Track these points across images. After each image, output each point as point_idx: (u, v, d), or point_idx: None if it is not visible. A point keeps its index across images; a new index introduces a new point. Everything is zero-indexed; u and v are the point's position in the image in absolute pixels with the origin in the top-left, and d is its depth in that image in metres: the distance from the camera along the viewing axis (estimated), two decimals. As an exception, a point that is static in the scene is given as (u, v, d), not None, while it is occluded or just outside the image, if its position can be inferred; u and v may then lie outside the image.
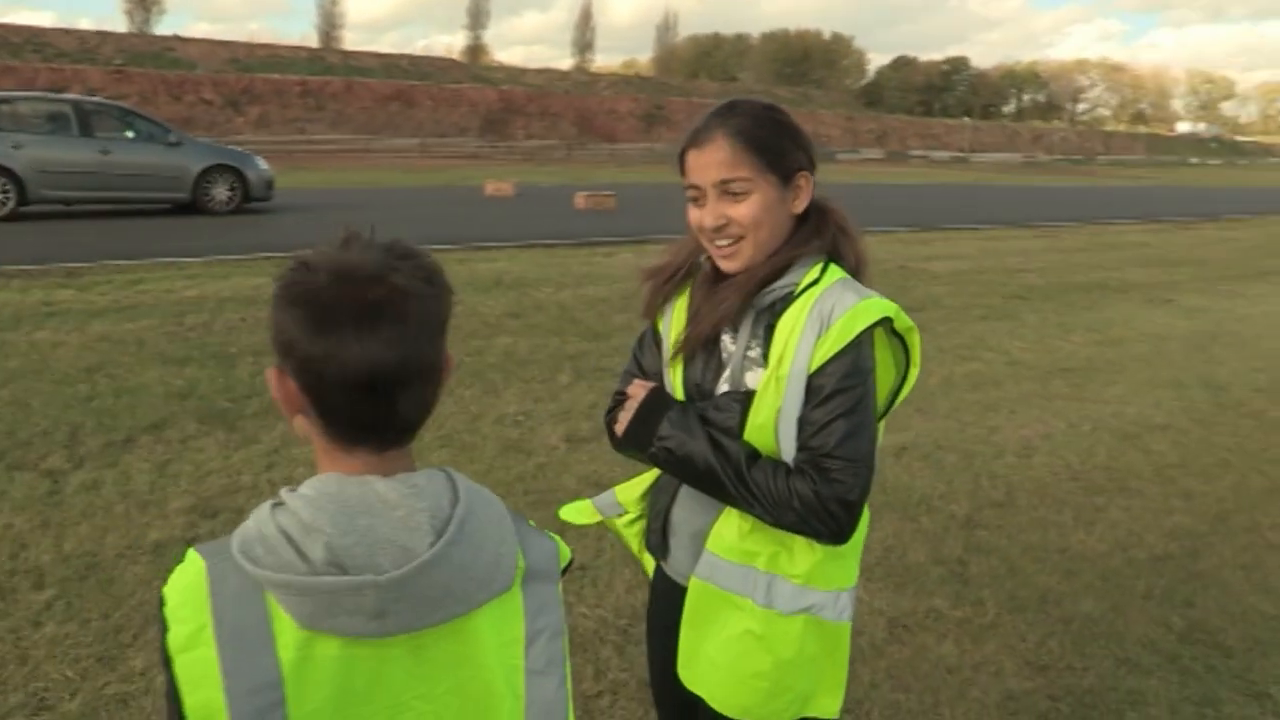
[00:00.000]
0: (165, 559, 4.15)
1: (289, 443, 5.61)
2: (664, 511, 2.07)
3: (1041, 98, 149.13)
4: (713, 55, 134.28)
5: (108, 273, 10.89)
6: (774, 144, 1.82)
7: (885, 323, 1.80)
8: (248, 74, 50.82)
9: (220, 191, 17.59)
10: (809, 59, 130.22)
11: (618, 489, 2.22)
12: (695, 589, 1.93)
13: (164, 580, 1.13)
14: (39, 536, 4.32)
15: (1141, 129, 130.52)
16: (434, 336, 1.17)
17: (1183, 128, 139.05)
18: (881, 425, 1.90)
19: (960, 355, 8.75)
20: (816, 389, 1.76)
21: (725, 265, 1.87)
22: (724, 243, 1.85)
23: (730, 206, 1.82)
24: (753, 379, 1.84)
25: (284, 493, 1.15)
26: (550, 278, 11.81)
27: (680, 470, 1.89)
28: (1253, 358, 9.13)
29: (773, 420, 1.80)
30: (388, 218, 18.33)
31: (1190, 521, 5.14)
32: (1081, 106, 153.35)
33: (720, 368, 1.90)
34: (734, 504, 1.84)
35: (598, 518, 2.22)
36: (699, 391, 1.92)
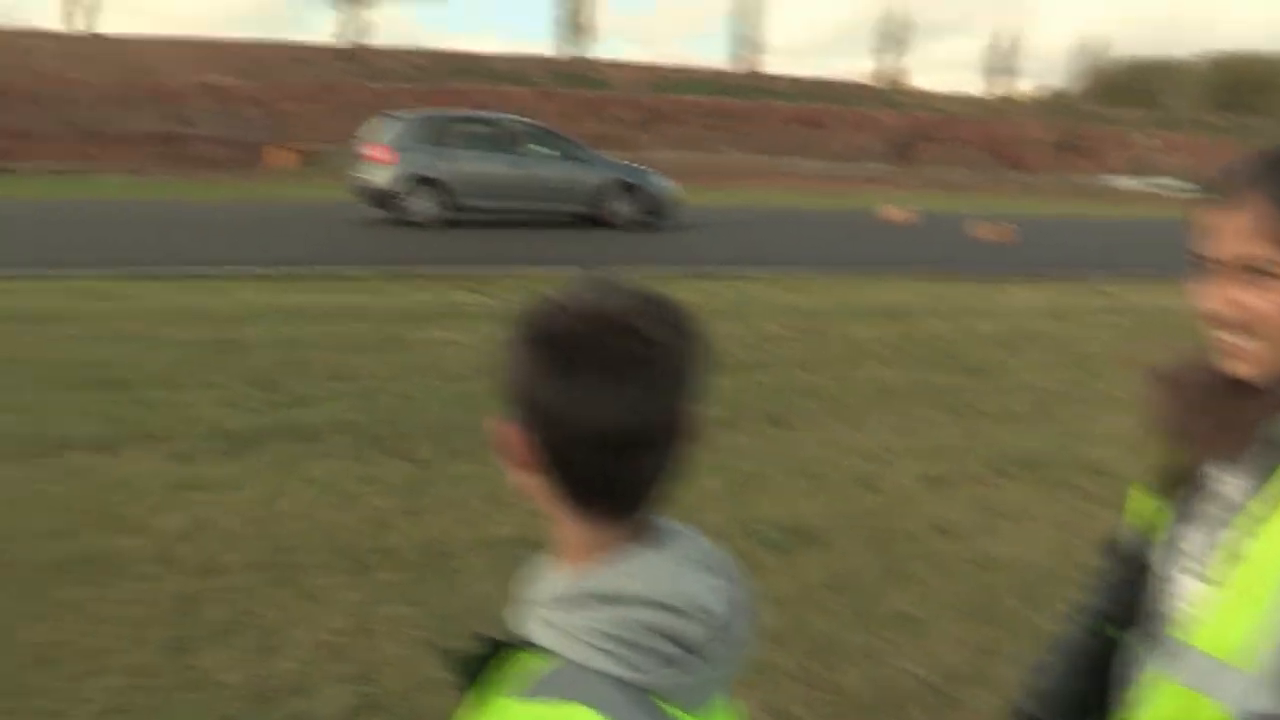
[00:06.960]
0: (506, 554, 4.24)
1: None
2: None
3: None
4: (1141, 80, 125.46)
5: (511, 278, 11.69)
6: None
7: None
8: (661, 94, 53.30)
9: (622, 206, 18.51)
10: (1246, 83, 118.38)
11: None
12: None
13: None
14: (400, 520, 4.65)
15: None
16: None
17: None
18: None
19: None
20: None
21: (1229, 365, 1.30)
22: (1229, 336, 1.28)
23: (1249, 294, 1.24)
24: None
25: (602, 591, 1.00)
26: (933, 308, 11.38)
27: None
28: None
29: (1237, 641, 1.18)
30: (777, 238, 18.50)
31: None
32: None
33: (1190, 528, 1.30)
34: None
35: None
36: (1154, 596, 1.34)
